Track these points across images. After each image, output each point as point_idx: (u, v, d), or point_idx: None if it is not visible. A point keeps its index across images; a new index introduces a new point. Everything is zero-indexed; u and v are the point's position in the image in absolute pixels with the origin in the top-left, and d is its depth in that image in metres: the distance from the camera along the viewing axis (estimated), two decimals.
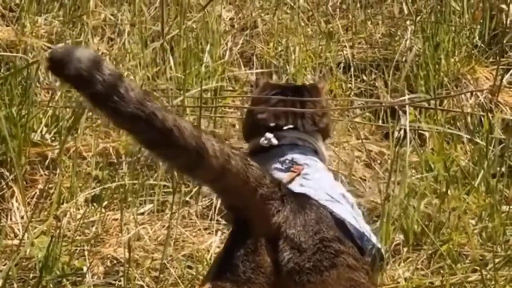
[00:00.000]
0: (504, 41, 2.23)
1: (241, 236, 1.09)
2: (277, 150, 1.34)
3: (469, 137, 1.93)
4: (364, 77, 2.25)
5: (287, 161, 1.33)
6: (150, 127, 1.01)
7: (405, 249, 1.59)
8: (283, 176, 1.25)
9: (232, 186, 1.07)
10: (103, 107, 1.00)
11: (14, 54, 2.10)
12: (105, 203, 1.63)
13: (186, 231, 1.53)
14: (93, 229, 1.56)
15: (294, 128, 1.37)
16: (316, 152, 1.36)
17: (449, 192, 1.68)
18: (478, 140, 1.92)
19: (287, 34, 2.37)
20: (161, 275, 1.42)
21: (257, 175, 1.09)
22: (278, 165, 1.31)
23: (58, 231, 1.48)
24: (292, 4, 2.52)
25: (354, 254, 1.11)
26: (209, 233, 1.58)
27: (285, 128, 1.37)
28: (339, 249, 1.10)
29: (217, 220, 1.60)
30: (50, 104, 1.84)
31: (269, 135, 1.36)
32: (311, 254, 1.08)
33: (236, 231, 1.10)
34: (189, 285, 1.42)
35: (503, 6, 2.32)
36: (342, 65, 2.27)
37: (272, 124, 1.37)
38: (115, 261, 1.48)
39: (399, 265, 1.56)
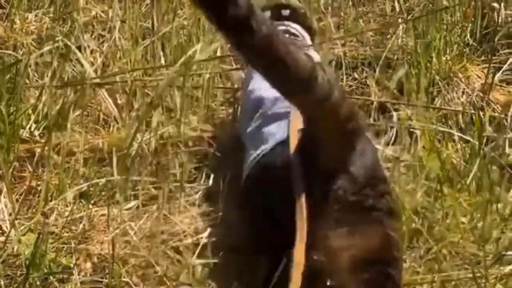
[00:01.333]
0: (496, 39, 2.22)
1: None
2: None
3: (460, 135, 1.93)
4: (356, 75, 2.24)
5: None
6: None
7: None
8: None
9: (326, 116, 1.06)
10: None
11: (3, 51, 2.09)
12: (93, 200, 1.62)
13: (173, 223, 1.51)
14: (81, 225, 1.55)
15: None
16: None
17: (441, 190, 1.67)
18: (469, 138, 1.91)
19: None
20: (148, 271, 1.41)
21: (349, 109, 1.08)
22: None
23: (45, 228, 1.47)
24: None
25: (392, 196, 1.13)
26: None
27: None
28: (384, 191, 1.11)
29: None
30: (39, 101, 1.83)
31: None
32: (361, 187, 1.09)
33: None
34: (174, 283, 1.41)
35: (495, 4, 2.31)
36: (333, 63, 2.26)
37: None
38: (102, 258, 1.47)
39: None
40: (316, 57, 1.52)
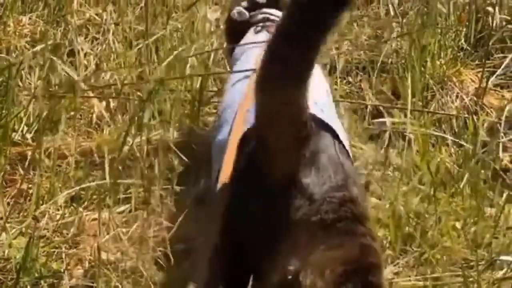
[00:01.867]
0: (490, 44, 2.22)
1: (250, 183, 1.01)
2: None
3: (454, 139, 1.92)
4: (350, 79, 2.24)
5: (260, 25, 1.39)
6: None
7: (391, 252, 1.58)
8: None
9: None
10: None
11: None
12: (85, 203, 1.61)
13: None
14: (72, 230, 1.54)
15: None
16: None
17: (435, 195, 1.67)
18: (462, 143, 1.91)
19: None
20: (137, 277, 1.41)
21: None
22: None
23: (35, 232, 1.46)
24: None
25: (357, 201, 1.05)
26: None
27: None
28: (344, 198, 1.03)
29: None
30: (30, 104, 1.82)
31: (238, 8, 1.42)
32: (319, 205, 1.01)
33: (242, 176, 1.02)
34: None
35: (489, 8, 2.31)
36: (328, 66, 2.26)
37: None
38: (92, 263, 1.46)
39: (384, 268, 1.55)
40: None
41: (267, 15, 1.50)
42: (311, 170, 1.03)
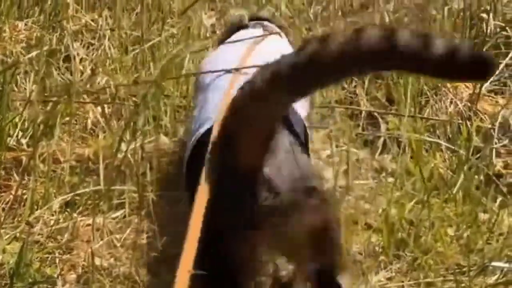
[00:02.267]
0: (484, 50, 2.23)
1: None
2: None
3: (447, 145, 1.93)
4: (345, 85, 2.25)
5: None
6: None
7: (384, 258, 1.58)
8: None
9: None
10: None
11: None
12: (79, 209, 1.61)
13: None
14: (66, 235, 1.54)
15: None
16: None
17: (428, 200, 1.67)
18: (456, 148, 1.92)
19: None
20: (131, 283, 1.41)
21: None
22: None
23: (29, 237, 1.46)
24: (274, 10, 2.52)
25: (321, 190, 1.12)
26: None
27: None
28: (306, 189, 1.09)
29: None
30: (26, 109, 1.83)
31: (241, 13, 1.64)
32: (284, 195, 1.07)
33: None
34: None
35: (484, 15, 2.32)
36: None
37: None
38: (86, 269, 1.46)
39: (376, 274, 1.55)
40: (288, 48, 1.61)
41: (263, 25, 1.65)
42: (272, 165, 1.08)
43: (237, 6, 2.55)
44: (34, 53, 2.10)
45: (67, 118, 1.87)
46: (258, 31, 1.59)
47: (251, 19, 1.72)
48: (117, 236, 1.55)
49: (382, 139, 1.96)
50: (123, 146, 1.67)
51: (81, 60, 2.21)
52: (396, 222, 1.61)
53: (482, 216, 1.71)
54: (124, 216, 1.60)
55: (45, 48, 2.16)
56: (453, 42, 0.99)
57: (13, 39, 2.27)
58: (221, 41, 1.70)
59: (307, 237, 1.09)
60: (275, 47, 1.49)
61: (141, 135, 1.77)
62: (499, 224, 1.68)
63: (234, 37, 1.62)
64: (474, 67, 0.99)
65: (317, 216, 1.10)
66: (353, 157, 1.91)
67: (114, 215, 1.60)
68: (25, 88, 2.03)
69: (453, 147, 1.92)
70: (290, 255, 1.08)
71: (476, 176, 1.81)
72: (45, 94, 1.96)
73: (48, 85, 2.03)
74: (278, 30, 1.69)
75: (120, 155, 1.65)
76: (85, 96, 1.98)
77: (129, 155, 1.66)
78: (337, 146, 1.94)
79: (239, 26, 1.68)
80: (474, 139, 1.92)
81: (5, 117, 1.78)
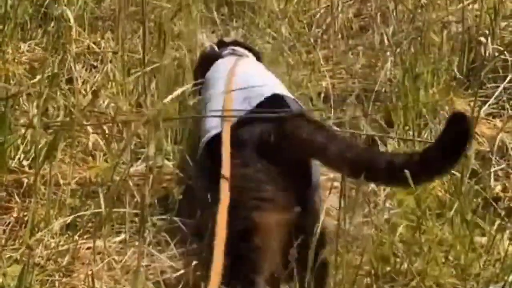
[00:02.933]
0: (482, 73, 2.25)
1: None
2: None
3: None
4: (344, 108, 2.27)
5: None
6: None
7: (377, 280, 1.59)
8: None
9: None
10: None
11: None
12: (80, 232, 1.62)
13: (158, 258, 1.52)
14: (66, 258, 1.55)
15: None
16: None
17: (423, 224, 1.68)
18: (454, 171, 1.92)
19: (269, 64, 2.39)
20: None
21: None
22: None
23: (29, 260, 1.47)
24: (274, 34, 2.55)
25: None
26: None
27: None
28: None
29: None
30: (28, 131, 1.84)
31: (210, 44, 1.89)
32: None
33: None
34: None
35: (482, 38, 2.34)
36: (322, 95, 2.28)
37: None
38: None
39: None
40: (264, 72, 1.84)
41: (233, 51, 1.90)
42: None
43: (237, 29, 2.58)
44: (37, 78, 2.11)
45: (69, 140, 1.88)
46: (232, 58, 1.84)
47: (219, 46, 1.94)
48: (117, 258, 1.56)
49: None
50: (123, 169, 1.68)
51: (83, 82, 2.23)
52: (392, 245, 1.61)
53: (480, 240, 1.72)
54: (125, 239, 1.60)
55: (48, 70, 2.19)
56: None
57: (16, 60, 2.30)
58: (197, 71, 1.93)
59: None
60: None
61: (143, 159, 1.79)
62: (497, 247, 1.68)
63: (214, 69, 1.82)
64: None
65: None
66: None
67: (114, 238, 1.61)
68: (26, 112, 2.04)
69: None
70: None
71: (474, 199, 1.82)
72: (47, 117, 1.98)
73: (51, 108, 2.05)
74: (248, 54, 1.92)
75: (120, 178, 1.66)
76: (87, 118, 1.99)
77: (127, 179, 1.67)
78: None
79: (212, 54, 1.90)
80: (472, 162, 1.93)
81: (7, 139, 1.80)
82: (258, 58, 2.01)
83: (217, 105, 1.57)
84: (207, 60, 1.90)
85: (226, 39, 1.97)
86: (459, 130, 1.36)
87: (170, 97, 1.68)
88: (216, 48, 1.90)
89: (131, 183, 1.67)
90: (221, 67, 1.80)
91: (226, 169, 1.40)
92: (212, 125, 1.54)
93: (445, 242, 1.68)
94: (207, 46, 1.90)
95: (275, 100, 1.54)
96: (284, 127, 1.46)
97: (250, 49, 2.00)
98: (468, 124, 1.37)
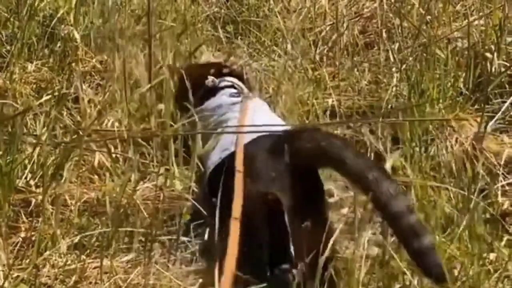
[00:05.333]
0: (489, 89, 2.25)
1: None
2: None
3: (449, 187, 1.93)
4: (350, 124, 2.26)
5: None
6: None
7: None
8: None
9: None
10: None
11: (2, 101, 2.11)
12: (87, 251, 1.62)
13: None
14: (73, 277, 1.55)
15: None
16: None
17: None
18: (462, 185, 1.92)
19: (275, 81, 2.40)
20: None
21: None
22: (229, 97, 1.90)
23: (36, 279, 1.47)
24: (280, 51, 2.56)
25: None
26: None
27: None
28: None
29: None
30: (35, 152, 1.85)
31: (210, 77, 1.95)
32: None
33: None
34: None
35: (488, 54, 2.34)
36: (328, 112, 2.28)
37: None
38: None
39: None
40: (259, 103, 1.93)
41: (231, 83, 1.98)
42: None
43: (242, 48, 2.59)
44: (44, 99, 2.12)
45: (76, 159, 1.89)
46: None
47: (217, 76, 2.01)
48: (124, 277, 1.56)
49: None
50: (130, 189, 1.68)
51: (89, 101, 2.24)
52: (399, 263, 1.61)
53: (489, 256, 1.71)
54: (132, 259, 1.60)
55: (55, 89, 2.19)
56: None
57: (23, 80, 2.31)
58: (185, 92, 1.97)
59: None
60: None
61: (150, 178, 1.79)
62: (506, 263, 1.67)
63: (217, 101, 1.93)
64: None
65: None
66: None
67: (121, 257, 1.60)
68: (34, 130, 2.05)
69: (455, 188, 1.91)
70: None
71: (483, 215, 1.81)
72: (54, 137, 1.98)
73: (58, 127, 2.06)
74: (245, 88, 1.99)
75: (127, 197, 1.66)
76: (93, 137, 2.00)
77: (135, 197, 1.67)
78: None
79: (212, 87, 1.97)
80: (480, 178, 1.93)
81: (14, 159, 1.81)
82: (249, 88, 2.08)
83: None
84: (205, 94, 1.96)
85: (224, 70, 2.05)
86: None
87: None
88: (217, 81, 1.98)
89: (138, 202, 1.67)
90: (226, 105, 1.91)
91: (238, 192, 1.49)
92: (214, 160, 1.69)
93: (454, 259, 1.67)
94: (209, 79, 1.97)
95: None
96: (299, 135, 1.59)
97: (243, 80, 2.07)
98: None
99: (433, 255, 1.44)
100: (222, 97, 1.94)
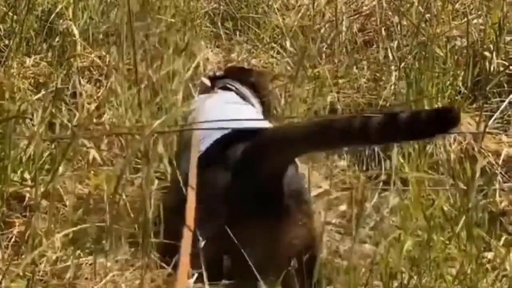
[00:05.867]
0: (487, 88, 2.25)
1: None
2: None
3: (446, 188, 1.92)
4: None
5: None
6: None
7: None
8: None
9: None
10: None
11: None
12: (82, 248, 1.61)
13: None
14: (68, 274, 1.54)
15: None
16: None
17: (430, 240, 1.67)
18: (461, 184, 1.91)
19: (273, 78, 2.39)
20: None
21: None
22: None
23: (34, 276, 1.46)
24: (279, 48, 2.55)
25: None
26: None
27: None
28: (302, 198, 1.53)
29: None
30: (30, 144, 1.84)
31: (203, 78, 1.93)
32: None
33: None
34: None
35: (486, 53, 2.34)
36: (327, 109, 2.28)
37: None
38: None
39: None
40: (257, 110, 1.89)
41: (226, 84, 1.92)
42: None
43: (241, 44, 2.59)
44: (41, 93, 2.11)
45: (71, 154, 1.88)
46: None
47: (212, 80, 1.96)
48: (121, 273, 1.55)
49: (385, 176, 1.96)
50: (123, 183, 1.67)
51: (87, 96, 2.23)
52: (398, 262, 1.60)
53: (487, 255, 1.70)
54: (127, 255, 1.59)
55: (53, 84, 2.19)
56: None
57: (21, 75, 2.30)
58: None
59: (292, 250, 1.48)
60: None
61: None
62: (503, 262, 1.67)
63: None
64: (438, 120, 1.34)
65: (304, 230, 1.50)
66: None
67: (117, 253, 1.60)
68: (32, 125, 2.04)
69: (453, 187, 1.91)
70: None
71: (481, 214, 1.80)
72: (52, 132, 1.97)
73: (55, 122, 2.05)
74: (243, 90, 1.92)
75: (122, 193, 1.66)
76: (89, 132, 1.99)
77: (123, 195, 1.66)
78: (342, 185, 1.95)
79: (205, 89, 1.93)
80: (478, 177, 1.92)
81: (7, 154, 1.79)
82: (252, 88, 2.00)
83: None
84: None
85: (219, 74, 2.01)
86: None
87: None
88: (209, 83, 1.93)
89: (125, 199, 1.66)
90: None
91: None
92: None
93: (452, 258, 1.66)
94: (201, 80, 1.96)
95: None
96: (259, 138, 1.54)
97: (246, 82, 1.99)
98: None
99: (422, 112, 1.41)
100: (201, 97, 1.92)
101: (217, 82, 1.93)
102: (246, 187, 1.48)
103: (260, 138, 1.54)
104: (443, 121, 1.34)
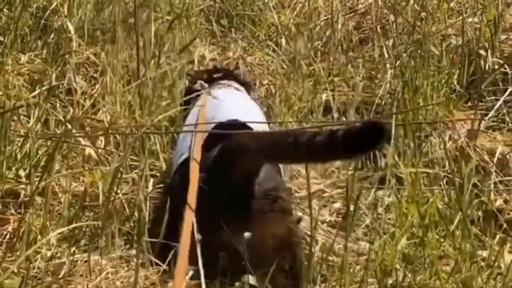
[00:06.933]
0: (482, 86, 2.25)
1: None
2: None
3: (441, 186, 1.93)
4: (344, 120, 2.26)
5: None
6: None
7: None
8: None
9: None
10: None
11: None
12: (77, 244, 1.61)
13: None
14: (63, 271, 1.54)
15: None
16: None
17: (425, 238, 1.67)
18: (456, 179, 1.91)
19: (268, 76, 2.39)
20: None
21: None
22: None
23: (28, 272, 1.46)
24: (274, 46, 2.55)
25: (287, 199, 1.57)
26: None
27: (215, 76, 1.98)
28: (276, 196, 1.53)
29: None
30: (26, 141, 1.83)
31: (200, 81, 1.94)
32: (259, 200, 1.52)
33: None
34: None
35: (482, 51, 2.34)
36: (322, 107, 2.28)
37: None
38: None
39: None
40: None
41: (227, 85, 1.95)
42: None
43: (236, 42, 2.58)
44: (37, 91, 2.11)
45: (66, 151, 1.88)
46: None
47: (208, 81, 1.97)
48: (115, 270, 1.55)
49: (380, 174, 1.96)
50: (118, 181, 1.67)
51: (82, 93, 2.23)
52: (392, 259, 1.60)
53: (481, 253, 1.71)
54: (121, 256, 1.59)
55: (47, 82, 2.18)
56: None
57: (15, 72, 2.29)
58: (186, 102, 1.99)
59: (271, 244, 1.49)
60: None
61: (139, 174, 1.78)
62: (498, 261, 1.67)
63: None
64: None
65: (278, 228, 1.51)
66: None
67: (111, 250, 1.59)
68: (27, 121, 2.03)
69: (452, 179, 1.92)
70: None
71: (475, 212, 1.81)
72: (47, 129, 1.97)
73: (50, 119, 2.05)
74: (237, 85, 1.97)
75: (117, 191, 1.65)
76: (84, 129, 1.99)
77: (119, 192, 1.66)
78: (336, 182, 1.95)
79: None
80: (473, 175, 1.93)
81: (4, 150, 1.79)
82: (247, 88, 2.04)
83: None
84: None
85: (216, 74, 2.02)
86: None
87: None
88: (206, 85, 1.94)
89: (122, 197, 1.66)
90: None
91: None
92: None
93: (447, 256, 1.67)
94: (197, 83, 1.95)
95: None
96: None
97: (242, 82, 2.03)
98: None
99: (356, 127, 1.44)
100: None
101: (212, 86, 1.95)
102: (216, 191, 1.49)
103: (228, 143, 1.55)
104: (371, 136, 1.39)
